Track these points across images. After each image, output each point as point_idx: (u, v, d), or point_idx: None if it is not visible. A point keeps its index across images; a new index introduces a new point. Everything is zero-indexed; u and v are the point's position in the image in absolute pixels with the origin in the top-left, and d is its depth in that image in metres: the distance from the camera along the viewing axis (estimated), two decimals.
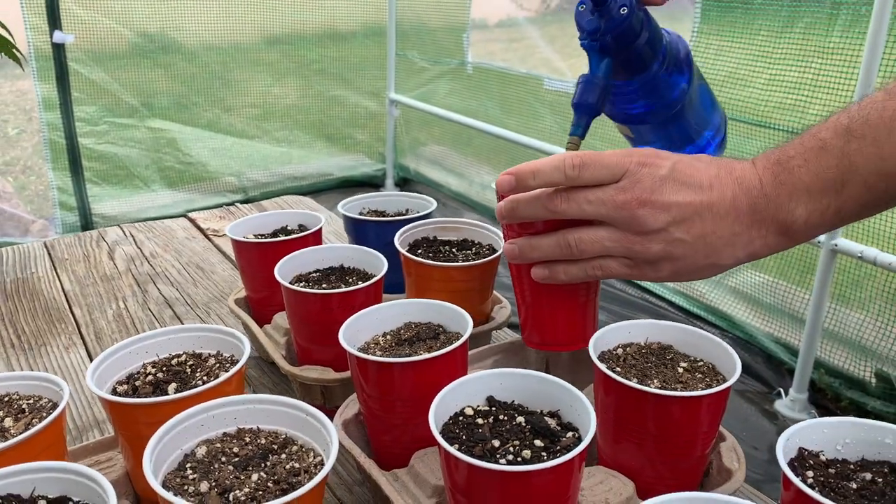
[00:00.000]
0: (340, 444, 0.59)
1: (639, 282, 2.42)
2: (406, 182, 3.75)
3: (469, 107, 3.24)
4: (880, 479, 0.51)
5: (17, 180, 3.59)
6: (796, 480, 0.47)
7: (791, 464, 0.52)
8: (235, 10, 3.41)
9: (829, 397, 1.79)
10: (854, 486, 0.50)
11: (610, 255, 0.62)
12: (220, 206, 1.60)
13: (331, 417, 0.59)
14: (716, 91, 1.95)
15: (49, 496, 0.51)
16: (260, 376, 0.92)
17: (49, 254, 1.29)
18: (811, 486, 0.50)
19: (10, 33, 1.81)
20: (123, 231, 1.40)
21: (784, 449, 0.51)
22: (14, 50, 1.76)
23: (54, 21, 2.72)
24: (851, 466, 0.53)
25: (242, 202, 1.56)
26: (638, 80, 0.70)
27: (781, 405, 1.73)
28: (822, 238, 1.67)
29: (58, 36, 2.71)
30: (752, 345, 1.98)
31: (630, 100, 0.72)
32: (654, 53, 0.69)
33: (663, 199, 0.59)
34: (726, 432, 0.66)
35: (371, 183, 3.85)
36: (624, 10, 0.64)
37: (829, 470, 0.52)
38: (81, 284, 1.17)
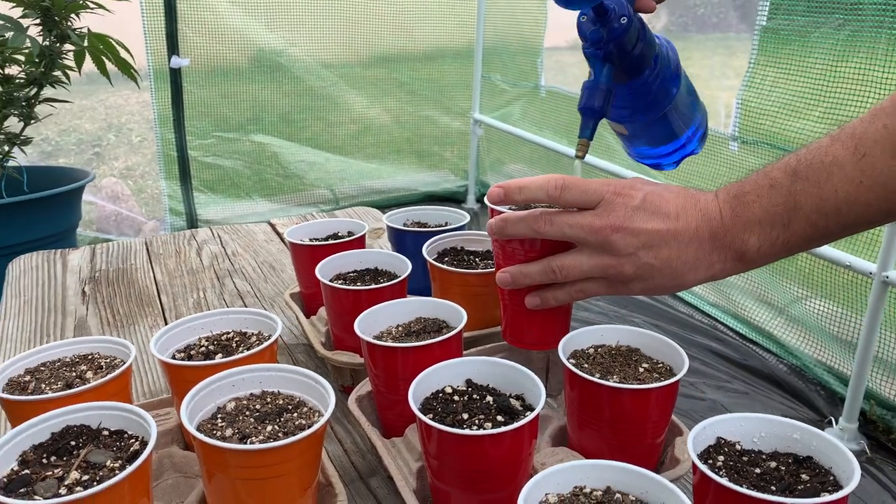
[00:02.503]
0: (354, 416, 0.71)
1: (695, 302, 2.45)
2: None
3: (542, 128, 3.35)
4: (783, 468, 0.59)
5: (135, 184, 3.96)
6: (700, 465, 0.56)
7: (707, 449, 0.61)
8: (339, 35, 3.65)
9: (880, 429, 1.77)
10: (758, 471, 0.59)
11: (589, 278, 0.71)
12: (304, 216, 1.77)
13: None
14: (769, 122, 2.00)
15: (111, 428, 0.66)
16: (306, 360, 1.06)
17: (147, 249, 1.49)
18: (718, 469, 0.58)
19: (131, 55, 2.07)
20: (212, 232, 1.59)
21: (698, 436, 0.60)
22: (132, 70, 2.01)
23: (173, 46, 3.02)
24: (763, 456, 0.61)
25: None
26: (633, 84, 0.77)
27: (832, 433, 1.73)
28: (873, 269, 1.68)
29: (174, 61, 3.01)
30: (804, 372, 1.98)
31: (624, 101, 0.79)
32: (648, 60, 0.76)
33: (634, 227, 0.67)
34: (685, 428, 0.74)
35: (453, 198, 3.99)
36: (623, 20, 0.72)
37: (743, 458, 0.60)
38: (171, 276, 1.35)
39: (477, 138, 3.81)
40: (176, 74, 3.08)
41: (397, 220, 1.15)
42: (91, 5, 1.84)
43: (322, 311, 1.03)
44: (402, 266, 0.96)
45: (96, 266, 1.40)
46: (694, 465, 0.57)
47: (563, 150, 3.07)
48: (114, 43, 1.97)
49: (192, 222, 3.30)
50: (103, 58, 1.92)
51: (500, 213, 0.76)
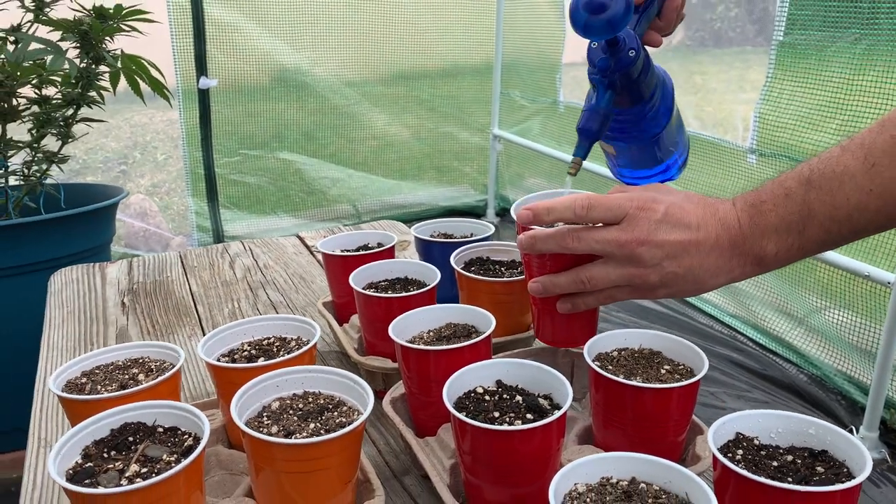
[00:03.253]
0: (389, 418, 0.75)
1: (716, 314, 2.47)
2: (506, 212, 3.93)
3: (560, 142, 3.40)
4: (799, 461, 0.62)
5: (161, 200, 4.04)
6: (721, 457, 0.59)
7: (727, 444, 0.64)
8: (360, 54, 3.73)
9: None
10: (775, 464, 0.62)
11: (616, 286, 0.75)
12: (330, 230, 1.82)
13: None
14: (787, 135, 2.04)
15: (165, 426, 0.71)
16: (340, 366, 1.09)
17: (182, 262, 1.54)
18: (738, 462, 0.62)
19: (162, 74, 2.14)
20: (244, 245, 1.65)
21: (719, 431, 0.63)
22: (165, 90, 2.08)
23: (201, 66, 3.11)
24: (781, 450, 0.64)
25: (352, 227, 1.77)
26: (630, 111, 0.81)
27: None
28: (891, 279, 1.69)
29: (203, 82, 3.09)
30: (825, 382, 2.00)
31: (620, 126, 0.83)
32: (648, 91, 0.80)
33: (658, 239, 0.71)
34: (705, 427, 0.77)
35: (473, 212, 4.04)
36: (632, 52, 0.76)
37: (761, 452, 0.64)
38: (206, 287, 1.40)
39: (496, 153, 3.86)
40: (204, 94, 3.16)
41: (424, 232, 1.19)
42: (126, 28, 1.91)
43: (354, 318, 1.08)
44: (432, 275, 1.01)
45: (134, 278, 1.45)
46: (714, 458, 0.61)
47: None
48: (146, 64, 2.05)
49: (219, 238, 3.37)
50: (137, 78, 1.99)
51: (529, 228, 0.80)
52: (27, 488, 0.84)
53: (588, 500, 0.58)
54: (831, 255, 1.88)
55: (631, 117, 0.82)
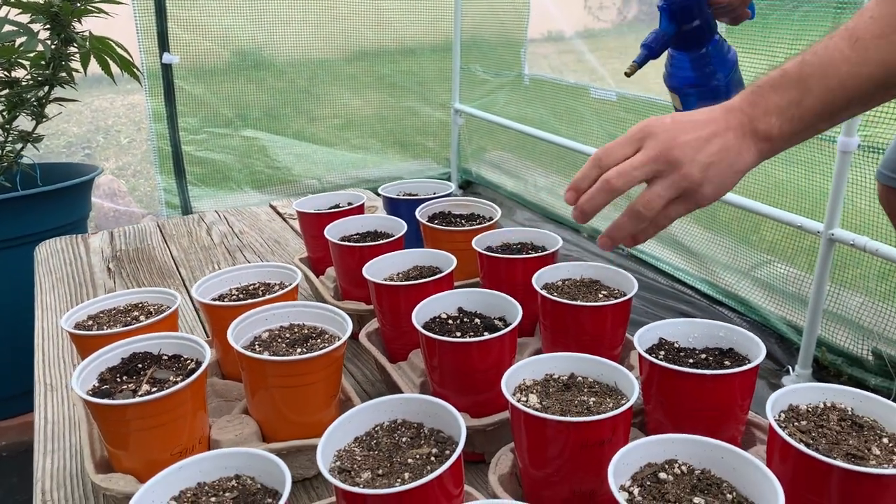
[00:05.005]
0: (365, 354, 0.86)
1: (670, 271, 2.62)
2: (469, 184, 4.04)
3: (525, 115, 3.51)
4: (711, 358, 0.75)
5: (128, 182, 4.07)
6: (647, 356, 0.71)
7: (651, 347, 0.76)
8: (320, 31, 3.78)
9: (832, 374, 1.95)
10: (691, 361, 0.74)
11: (668, 203, 0.78)
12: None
13: None
14: None
15: (169, 354, 0.81)
16: None
17: (161, 231, 1.63)
18: (663, 359, 0.74)
19: (130, 55, 2.20)
20: (219, 215, 1.73)
21: (643, 336, 0.76)
22: (134, 69, 2.14)
23: (163, 44, 3.15)
24: (696, 351, 0.76)
25: None
26: (691, 55, 0.96)
27: (788, 380, 1.91)
28: (820, 228, 1.85)
29: (166, 57, 3.14)
30: (766, 327, 2.16)
31: (682, 70, 0.97)
32: (707, 37, 0.95)
33: (682, 140, 0.76)
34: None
35: None
36: None
37: (680, 353, 0.76)
38: (186, 252, 1.49)
39: (458, 127, 3.96)
40: (168, 72, 3.20)
41: (391, 192, 1.30)
42: (94, 10, 1.97)
43: (329, 270, 1.18)
44: (399, 227, 1.11)
45: (116, 247, 1.54)
46: (640, 357, 0.73)
47: (545, 137, 3.21)
48: (113, 45, 2.10)
49: (188, 214, 3.43)
50: (106, 58, 2.05)
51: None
52: (39, 424, 0.93)
53: (535, 391, 0.69)
54: (769, 208, 2.03)
55: (692, 60, 0.95)
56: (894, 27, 0.70)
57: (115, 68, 2.13)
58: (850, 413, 0.65)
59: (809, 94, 0.73)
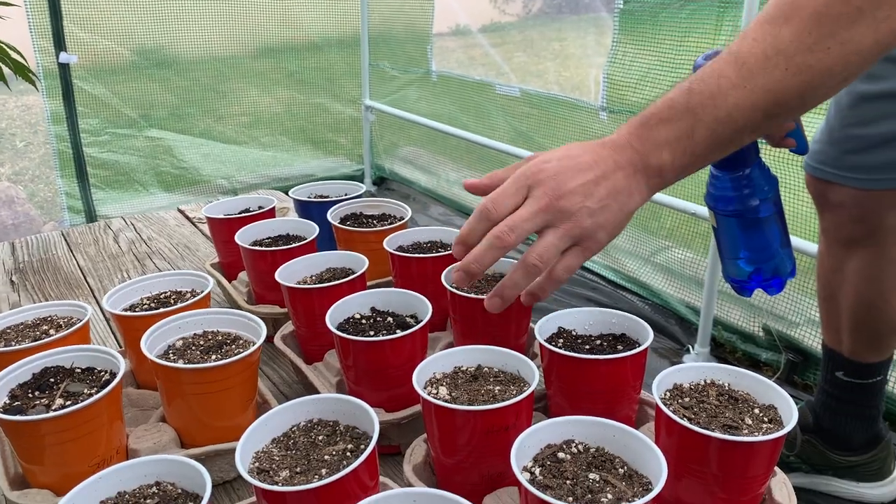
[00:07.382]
0: (281, 357, 0.88)
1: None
2: (383, 181, 4.06)
3: (435, 111, 3.56)
4: (605, 344, 0.81)
5: (26, 188, 3.90)
6: (546, 345, 0.77)
7: (551, 336, 0.82)
8: (223, 28, 3.71)
9: (727, 350, 2.09)
10: (588, 347, 0.80)
11: (563, 253, 0.75)
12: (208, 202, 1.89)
13: None
14: (631, 92, 2.27)
15: (82, 367, 0.81)
16: None
17: (66, 240, 1.59)
18: (559, 348, 0.79)
19: (23, 57, 2.12)
20: (125, 221, 1.70)
21: (543, 326, 0.81)
22: (28, 73, 2.06)
23: (59, 43, 3.03)
24: (592, 337, 0.82)
25: None
26: (731, 174, 0.90)
27: (688, 358, 2.03)
28: None
29: (63, 57, 3.02)
30: (667, 309, 2.29)
31: (723, 191, 0.91)
32: (749, 158, 0.89)
33: (570, 187, 0.74)
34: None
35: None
36: None
37: (577, 340, 0.82)
38: (93, 261, 1.47)
39: (369, 124, 3.98)
40: (66, 72, 3.09)
41: (302, 194, 1.32)
42: None
43: (242, 275, 1.19)
44: (311, 230, 1.14)
45: (19, 259, 1.49)
46: (541, 346, 0.78)
47: (454, 132, 3.26)
48: (6, 48, 2.02)
49: (92, 219, 3.32)
50: None
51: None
52: None
53: (444, 383, 0.74)
54: (666, 198, 2.14)
55: (732, 181, 0.90)
56: (776, 48, 0.68)
57: (7, 71, 2.05)
58: (727, 388, 0.72)
59: (700, 124, 0.71)
